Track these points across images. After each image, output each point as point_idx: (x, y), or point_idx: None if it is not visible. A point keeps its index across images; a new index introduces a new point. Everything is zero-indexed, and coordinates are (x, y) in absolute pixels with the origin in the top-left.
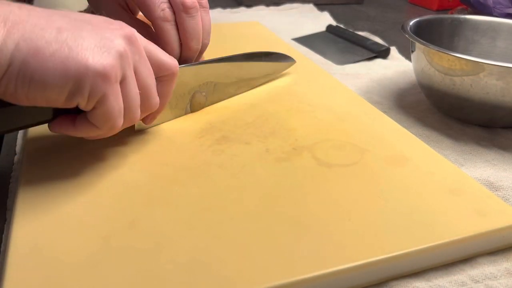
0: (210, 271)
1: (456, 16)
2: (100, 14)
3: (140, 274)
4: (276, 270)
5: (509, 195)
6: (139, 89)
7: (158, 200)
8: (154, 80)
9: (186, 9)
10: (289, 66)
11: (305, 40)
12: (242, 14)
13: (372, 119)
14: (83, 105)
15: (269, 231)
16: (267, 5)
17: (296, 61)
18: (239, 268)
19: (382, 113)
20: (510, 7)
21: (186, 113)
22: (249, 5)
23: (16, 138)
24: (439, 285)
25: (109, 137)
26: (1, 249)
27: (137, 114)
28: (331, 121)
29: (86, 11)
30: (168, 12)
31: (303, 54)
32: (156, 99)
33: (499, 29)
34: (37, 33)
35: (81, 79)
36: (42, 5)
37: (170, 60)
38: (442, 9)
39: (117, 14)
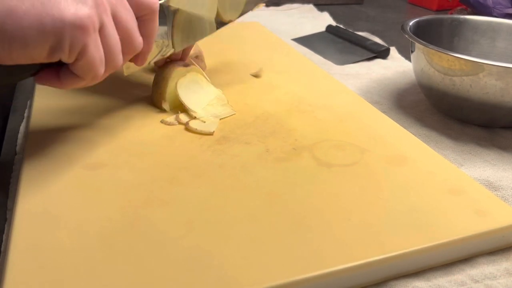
0: (210, 271)
1: (455, 16)
2: None
3: (140, 274)
4: (276, 270)
5: (508, 195)
6: (119, 34)
7: (158, 200)
8: (135, 21)
9: None
10: None
11: (305, 40)
12: None
13: (372, 119)
14: (65, 58)
15: (269, 231)
16: (267, 5)
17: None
18: (239, 268)
19: (382, 113)
20: (509, 7)
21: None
22: None
23: (17, 138)
24: (438, 285)
25: (109, 138)
26: (1, 249)
27: (119, 59)
28: (331, 121)
29: None
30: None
31: (303, 54)
32: (138, 40)
33: (499, 30)
34: None
35: (60, 34)
36: None
37: None
38: (441, 9)
39: None
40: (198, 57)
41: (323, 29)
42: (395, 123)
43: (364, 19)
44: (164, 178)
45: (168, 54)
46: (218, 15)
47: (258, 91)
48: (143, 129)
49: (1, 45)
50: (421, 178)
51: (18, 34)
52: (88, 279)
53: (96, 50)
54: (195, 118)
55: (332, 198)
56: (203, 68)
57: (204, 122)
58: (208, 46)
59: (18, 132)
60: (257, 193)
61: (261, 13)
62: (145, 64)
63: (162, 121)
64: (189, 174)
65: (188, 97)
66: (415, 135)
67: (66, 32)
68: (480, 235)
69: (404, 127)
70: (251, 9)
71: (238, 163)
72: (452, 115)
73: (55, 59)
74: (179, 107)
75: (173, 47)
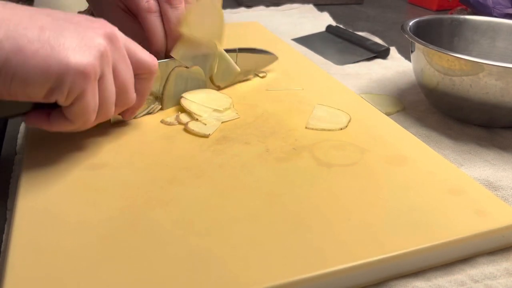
0: (210, 271)
1: (455, 16)
2: (96, 15)
3: (140, 274)
4: (276, 270)
5: (508, 194)
6: (116, 86)
7: (158, 200)
8: (133, 77)
9: (170, 0)
10: (271, 62)
11: (305, 40)
12: (242, 14)
13: (372, 119)
14: (61, 101)
15: (269, 231)
16: (267, 5)
17: (278, 57)
18: (239, 268)
19: (382, 113)
20: (509, 7)
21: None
22: (249, 5)
23: (17, 138)
24: (438, 285)
25: (109, 138)
26: (1, 249)
27: (111, 110)
28: None
29: (86, 11)
30: (152, 3)
31: (302, 54)
32: (133, 95)
33: (499, 30)
34: (20, 32)
35: (62, 77)
36: (42, 5)
37: (149, 59)
38: (441, 9)
39: (118, 17)
40: None
41: (323, 29)
42: (395, 123)
43: (364, 19)
44: (164, 178)
45: (155, 111)
46: (210, 78)
47: (258, 91)
48: (143, 129)
49: (3, 80)
50: (421, 178)
51: (22, 72)
52: (88, 279)
53: (92, 97)
54: (196, 119)
55: (332, 198)
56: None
57: (205, 124)
58: None
59: (18, 132)
60: (257, 193)
61: (261, 13)
62: (131, 118)
63: (162, 121)
64: (189, 174)
65: (192, 102)
66: (415, 135)
67: (68, 76)
68: (480, 235)
69: (404, 127)
70: (240, 80)
71: (238, 163)
72: (452, 115)
73: (51, 100)
74: (179, 108)
75: (162, 104)
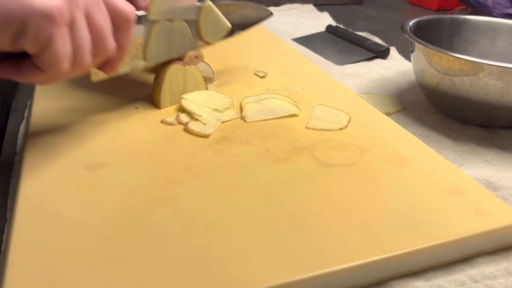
0: (210, 271)
1: (455, 16)
2: None
3: (140, 273)
4: (276, 270)
5: (508, 194)
6: (91, 33)
7: (158, 200)
8: (109, 24)
9: None
10: (265, 17)
11: (305, 40)
12: None
13: (372, 119)
14: (28, 47)
15: (269, 231)
16: (267, 5)
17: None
18: (239, 268)
19: (381, 113)
20: (509, 7)
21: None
22: None
23: (17, 138)
24: (438, 285)
25: (109, 138)
26: (2, 249)
27: (87, 59)
28: None
29: None
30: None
31: (302, 54)
32: (110, 43)
33: (499, 30)
34: None
35: (26, 21)
36: None
37: (126, 7)
38: (441, 9)
39: None
40: (198, 57)
41: (323, 29)
42: (395, 123)
43: (364, 19)
44: (164, 178)
45: (140, 67)
46: (198, 34)
47: (257, 91)
48: (143, 129)
49: None
50: (421, 178)
51: None
52: (88, 279)
53: (62, 44)
54: (196, 119)
55: (332, 198)
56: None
57: (205, 124)
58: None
59: (18, 132)
60: (257, 193)
61: None
62: (114, 74)
63: (162, 121)
64: (189, 174)
65: (192, 102)
66: (415, 135)
67: (32, 20)
68: (480, 235)
69: (404, 127)
70: (231, 36)
71: (238, 163)
72: (452, 115)
73: (18, 47)
74: (179, 108)
75: (145, 60)
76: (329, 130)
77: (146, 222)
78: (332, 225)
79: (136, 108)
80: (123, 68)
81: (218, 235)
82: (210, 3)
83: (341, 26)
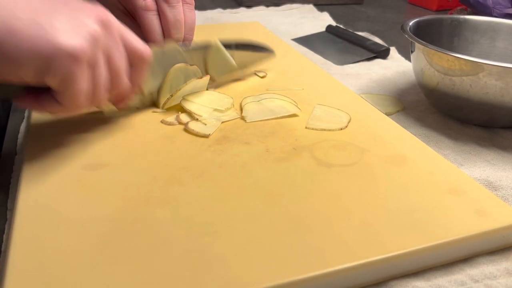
0: (210, 271)
1: (455, 16)
2: None
3: (140, 273)
4: (276, 270)
5: (508, 194)
6: (109, 72)
7: (158, 200)
8: (126, 64)
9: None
10: (267, 57)
11: (305, 41)
12: (242, 14)
13: (372, 119)
14: (52, 84)
15: (268, 231)
16: (267, 5)
17: (277, 56)
18: (239, 268)
19: (381, 113)
20: (509, 7)
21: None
22: (249, 5)
23: (17, 138)
24: (438, 285)
25: (109, 138)
26: (2, 249)
27: (103, 95)
28: None
29: None
30: (149, 2)
31: (302, 54)
32: (126, 83)
33: (499, 30)
34: (14, 14)
35: (52, 58)
36: None
37: (142, 47)
38: (441, 9)
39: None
40: None
41: (323, 29)
42: (395, 123)
43: (364, 19)
44: (164, 178)
45: (149, 102)
46: (205, 70)
47: (257, 91)
48: (143, 129)
49: None
50: (421, 178)
51: (14, 52)
52: (88, 279)
53: (83, 81)
54: (196, 119)
55: (332, 198)
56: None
57: (205, 124)
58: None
59: (18, 132)
60: (257, 193)
61: (261, 13)
62: (125, 107)
63: (162, 121)
64: (189, 174)
65: (192, 102)
66: (415, 135)
67: (57, 58)
68: (480, 235)
69: (404, 127)
70: (237, 78)
71: (238, 163)
72: (452, 115)
73: (41, 81)
74: (177, 106)
75: (158, 98)
76: (329, 130)
77: (146, 222)
78: (332, 225)
79: (137, 108)
80: (133, 102)
81: (218, 235)
82: (219, 43)
83: (341, 26)
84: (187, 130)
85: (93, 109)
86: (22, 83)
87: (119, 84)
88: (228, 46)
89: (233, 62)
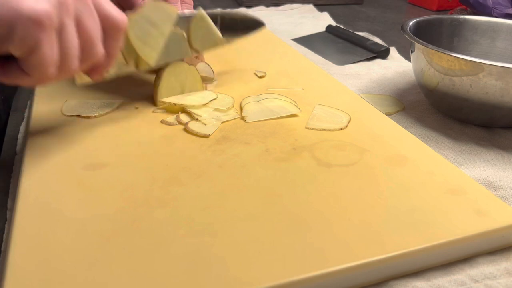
0: (210, 271)
1: (455, 16)
2: None
3: (140, 273)
4: (276, 270)
5: (508, 194)
6: (80, 39)
7: (158, 200)
8: (99, 30)
9: None
10: (258, 29)
11: (305, 41)
12: None
13: (371, 119)
14: (14, 51)
15: (268, 231)
16: (267, 5)
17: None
18: (239, 268)
19: (381, 113)
20: (509, 8)
21: (131, 69)
22: (249, 5)
23: (17, 138)
24: (438, 285)
25: (109, 138)
26: (2, 249)
27: (74, 64)
28: None
29: None
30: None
31: (302, 55)
32: (99, 50)
33: (499, 30)
34: None
35: (13, 24)
36: None
37: (118, 13)
38: (441, 9)
39: None
40: (198, 57)
41: (323, 29)
42: (395, 123)
43: (364, 19)
44: (164, 178)
45: (127, 72)
46: (188, 41)
47: (257, 91)
48: (143, 129)
49: None
50: (421, 178)
51: None
52: (88, 278)
53: (49, 49)
54: (196, 119)
55: (332, 198)
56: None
57: (205, 124)
58: None
59: (18, 132)
60: (257, 193)
61: (261, 13)
62: (99, 79)
63: (162, 121)
64: (189, 174)
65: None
66: (415, 135)
67: (19, 24)
68: (480, 235)
69: (404, 127)
70: (221, 45)
71: (238, 163)
72: (452, 115)
73: (3, 49)
74: (179, 108)
75: (138, 66)
76: (329, 130)
77: (146, 222)
78: (332, 225)
79: (136, 108)
80: (109, 73)
81: (218, 235)
82: (203, 12)
83: (341, 26)
84: (187, 130)
85: (65, 78)
86: None
87: (92, 52)
88: (214, 17)
89: (219, 34)
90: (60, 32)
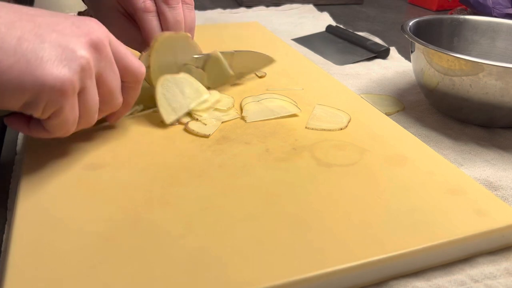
0: (210, 271)
1: (455, 16)
2: (95, 17)
3: (140, 273)
4: (276, 270)
5: (508, 194)
6: (101, 94)
7: (158, 200)
8: (119, 83)
9: (167, 1)
10: (267, 65)
11: (305, 41)
12: (242, 14)
13: (372, 119)
14: (37, 115)
15: (268, 231)
16: (267, 5)
17: (277, 59)
18: (239, 268)
19: (382, 113)
20: (509, 7)
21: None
22: (249, 5)
23: (17, 138)
24: (438, 285)
25: (109, 138)
26: (1, 249)
27: (93, 119)
28: None
29: (86, 13)
30: (149, 3)
31: (302, 55)
32: (118, 101)
33: (499, 30)
34: None
35: (37, 94)
36: (43, 6)
37: (137, 65)
38: (441, 9)
39: (117, 21)
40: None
41: (323, 29)
42: (395, 123)
43: (364, 19)
44: (164, 178)
45: (140, 111)
46: (201, 80)
47: (257, 91)
48: (143, 129)
49: None
50: (421, 178)
51: None
52: (88, 279)
53: (71, 112)
54: (196, 119)
55: (332, 198)
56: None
57: (205, 124)
58: (208, 45)
59: (18, 133)
60: (257, 193)
61: (261, 13)
62: (115, 123)
63: (162, 121)
64: (189, 174)
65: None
66: (415, 135)
67: (44, 93)
68: (480, 235)
69: (404, 127)
70: (232, 83)
71: (238, 163)
72: (452, 115)
73: (27, 112)
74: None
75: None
76: (329, 130)
77: (146, 222)
78: (332, 225)
79: (137, 107)
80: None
81: (218, 235)
82: (218, 53)
83: (341, 26)
84: (187, 130)
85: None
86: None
87: (111, 103)
88: (226, 53)
89: (230, 71)
90: (82, 93)
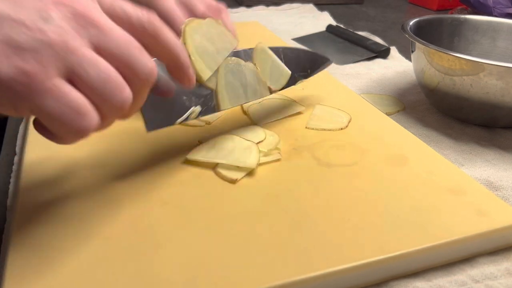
0: (209, 271)
1: (456, 16)
2: None
3: (140, 274)
4: (276, 270)
5: (509, 194)
6: (113, 63)
7: (158, 200)
8: (133, 42)
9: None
10: (325, 65)
11: (305, 40)
12: (242, 14)
13: (372, 119)
14: (19, 115)
15: (268, 231)
16: (267, 5)
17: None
18: (239, 268)
19: (382, 113)
20: (510, 7)
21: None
22: (249, 5)
23: (16, 139)
24: (439, 285)
25: (109, 138)
26: (1, 249)
27: (122, 95)
28: None
29: None
30: None
31: None
32: (149, 62)
33: (499, 29)
34: None
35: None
36: None
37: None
38: (442, 9)
39: None
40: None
41: (323, 28)
42: (395, 123)
43: (364, 19)
44: (164, 178)
45: (195, 116)
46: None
47: None
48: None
49: None
50: (421, 178)
51: None
52: (88, 279)
53: (57, 101)
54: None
55: (332, 198)
56: None
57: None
58: None
59: (17, 132)
60: (257, 193)
61: (261, 12)
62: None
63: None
64: (189, 174)
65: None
66: (415, 135)
67: (2, 93)
68: (481, 235)
69: (404, 127)
70: (295, 84)
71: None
72: (452, 115)
73: (14, 115)
74: None
75: (218, 107)
76: (329, 130)
77: (146, 222)
78: (332, 225)
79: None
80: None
81: (217, 235)
82: (263, 45)
83: (342, 26)
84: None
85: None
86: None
87: (136, 69)
88: (273, 49)
89: (286, 68)
90: (73, 73)
